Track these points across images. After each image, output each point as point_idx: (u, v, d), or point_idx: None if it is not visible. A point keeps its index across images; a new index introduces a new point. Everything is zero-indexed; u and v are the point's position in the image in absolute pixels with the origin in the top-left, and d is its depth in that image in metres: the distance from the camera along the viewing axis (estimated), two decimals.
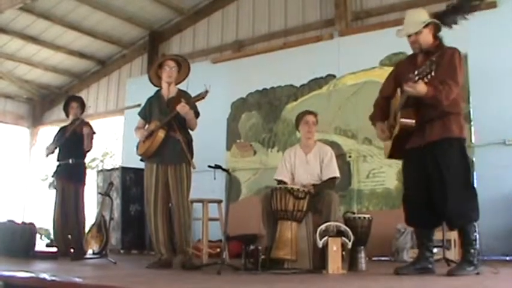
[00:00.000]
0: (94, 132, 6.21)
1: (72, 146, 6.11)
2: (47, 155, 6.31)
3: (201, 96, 4.47)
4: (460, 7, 3.82)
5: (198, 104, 4.70)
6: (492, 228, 4.07)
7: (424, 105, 3.62)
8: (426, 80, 3.44)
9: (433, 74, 3.37)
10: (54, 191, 6.19)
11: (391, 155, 4.01)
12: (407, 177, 3.91)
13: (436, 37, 3.84)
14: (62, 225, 6.05)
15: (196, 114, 4.75)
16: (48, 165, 10.08)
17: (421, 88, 3.49)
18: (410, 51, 6.17)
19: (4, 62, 10.03)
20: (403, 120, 3.67)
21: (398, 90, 3.80)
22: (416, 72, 3.44)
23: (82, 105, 6.40)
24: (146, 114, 4.91)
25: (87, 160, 6.46)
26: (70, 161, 6.10)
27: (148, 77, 4.94)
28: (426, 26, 3.79)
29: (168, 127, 4.63)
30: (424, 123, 3.67)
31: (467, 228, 3.59)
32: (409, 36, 3.86)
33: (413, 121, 3.66)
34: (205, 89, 4.40)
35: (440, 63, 3.56)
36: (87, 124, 6.23)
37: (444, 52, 3.71)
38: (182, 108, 4.49)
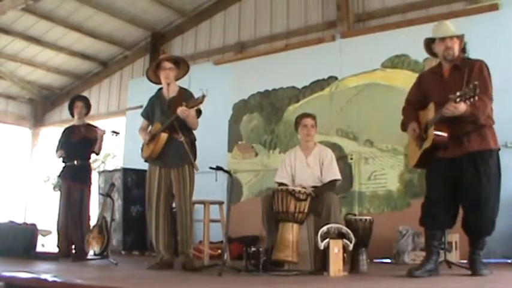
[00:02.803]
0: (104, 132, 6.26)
1: (79, 147, 6.13)
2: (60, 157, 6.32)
3: (199, 101, 4.41)
4: None
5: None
6: None
7: (459, 120, 3.68)
8: (468, 103, 3.53)
9: (477, 98, 3.46)
10: (59, 192, 6.20)
11: (418, 165, 4.10)
12: (433, 182, 3.93)
13: (461, 52, 3.95)
14: (66, 227, 6.06)
15: (198, 112, 4.74)
16: (50, 167, 10.13)
17: (461, 108, 3.58)
18: (412, 54, 6.30)
19: (6, 62, 10.04)
20: (436, 133, 3.75)
21: (432, 104, 3.85)
22: (458, 94, 3.50)
23: (87, 105, 6.40)
24: (148, 114, 4.91)
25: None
26: (75, 162, 6.11)
27: (147, 77, 4.94)
28: (458, 37, 3.91)
29: (170, 129, 4.63)
30: (460, 136, 3.75)
31: (490, 234, 3.78)
32: (443, 40, 3.90)
33: (446, 136, 3.75)
34: (202, 94, 4.34)
35: (470, 77, 3.68)
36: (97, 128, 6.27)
37: (472, 65, 3.80)
38: (182, 112, 4.48)
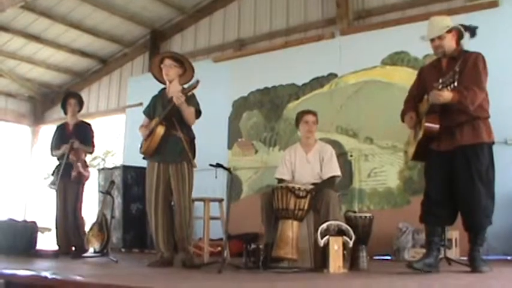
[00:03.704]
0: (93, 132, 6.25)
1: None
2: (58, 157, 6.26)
3: (193, 86, 4.48)
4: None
5: (199, 101, 4.70)
6: (493, 227, 4.06)
7: (451, 111, 3.72)
8: (449, 89, 3.58)
9: (455, 84, 3.51)
10: (55, 189, 6.18)
11: (415, 158, 4.13)
12: (431, 178, 3.97)
13: (458, 43, 3.96)
14: (64, 224, 6.06)
15: (198, 112, 4.74)
16: (50, 164, 10.13)
17: (445, 96, 3.62)
18: (412, 51, 6.31)
19: (5, 60, 10.04)
20: (427, 125, 3.80)
21: (426, 96, 3.90)
22: (440, 81, 3.57)
23: (80, 102, 6.39)
24: (150, 112, 4.91)
25: (87, 159, 6.45)
26: (71, 160, 6.08)
27: (153, 75, 4.94)
28: (449, 31, 3.91)
29: (169, 124, 4.61)
30: (453, 128, 3.78)
31: (485, 229, 3.78)
32: (432, 40, 3.95)
33: (437, 126, 3.79)
34: (196, 80, 4.42)
35: (464, 68, 3.70)
36: (89, 125, 6.25)
37: (467, 57, 3.83)
38: (177, 99, 4.48)
